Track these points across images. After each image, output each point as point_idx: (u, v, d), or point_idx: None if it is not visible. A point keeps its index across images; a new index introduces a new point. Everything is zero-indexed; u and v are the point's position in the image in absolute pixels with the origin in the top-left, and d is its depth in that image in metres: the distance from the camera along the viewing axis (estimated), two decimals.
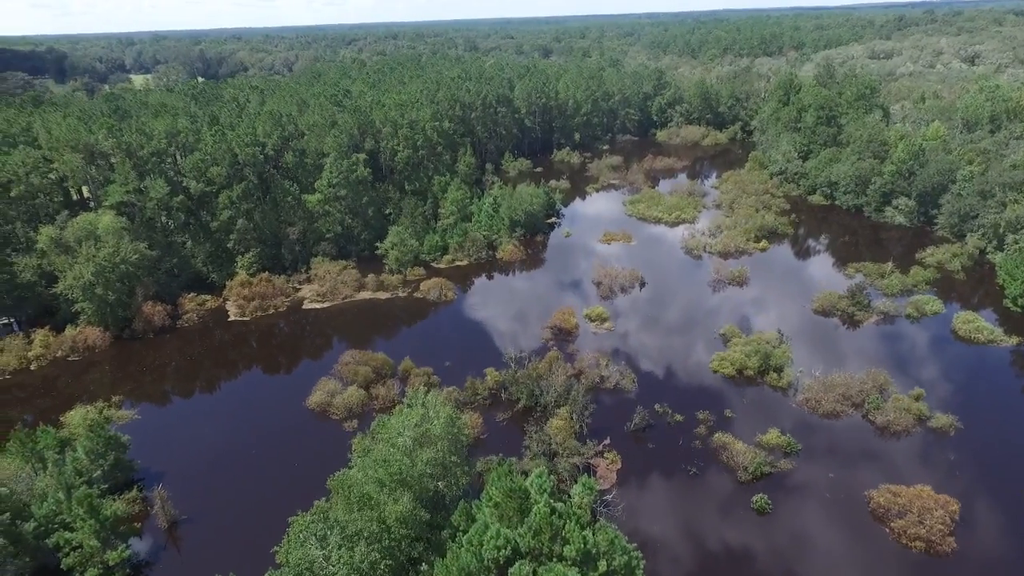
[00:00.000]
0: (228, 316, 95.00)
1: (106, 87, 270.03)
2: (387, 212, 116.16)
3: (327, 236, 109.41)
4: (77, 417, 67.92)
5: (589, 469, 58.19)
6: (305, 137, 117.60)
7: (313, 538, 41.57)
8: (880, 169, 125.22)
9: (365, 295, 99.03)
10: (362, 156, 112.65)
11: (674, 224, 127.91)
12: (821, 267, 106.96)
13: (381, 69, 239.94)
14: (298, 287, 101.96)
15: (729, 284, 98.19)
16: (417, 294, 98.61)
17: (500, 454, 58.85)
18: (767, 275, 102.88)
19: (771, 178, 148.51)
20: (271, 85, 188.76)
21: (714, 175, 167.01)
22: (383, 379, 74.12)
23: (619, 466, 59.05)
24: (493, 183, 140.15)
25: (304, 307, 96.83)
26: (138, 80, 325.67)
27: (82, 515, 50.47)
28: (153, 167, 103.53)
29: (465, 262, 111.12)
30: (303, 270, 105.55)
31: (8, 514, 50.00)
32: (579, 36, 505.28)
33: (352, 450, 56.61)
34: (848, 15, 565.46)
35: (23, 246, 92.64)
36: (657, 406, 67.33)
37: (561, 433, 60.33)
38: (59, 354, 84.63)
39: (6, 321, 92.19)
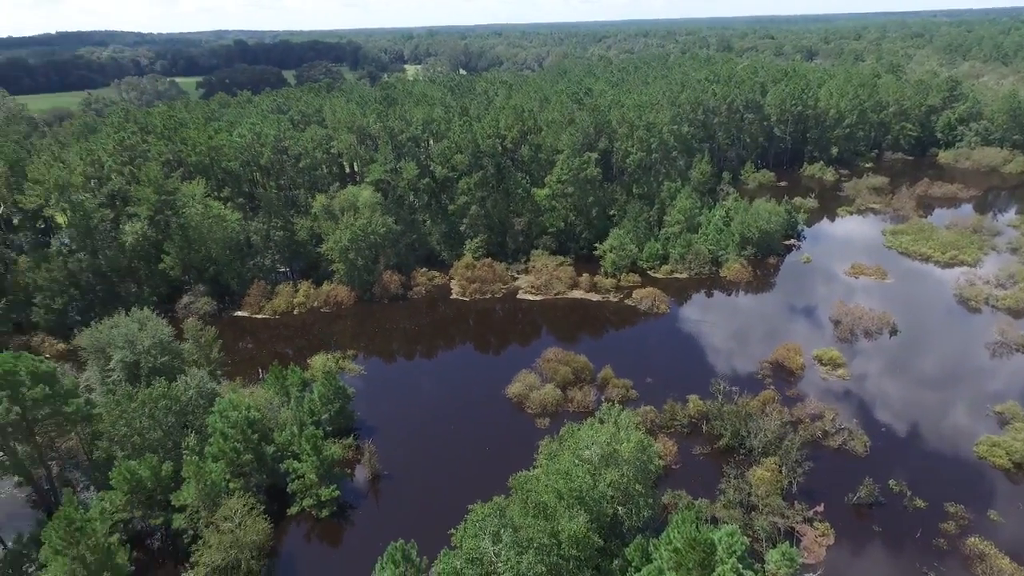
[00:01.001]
0: (451, 294, 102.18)
1: (385, 76, 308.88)
2: (611, 213, 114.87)
3: (549, 230, 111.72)
4: (319, 362, 78.05)
5: (792, 536, 50.88)
6: (543, 132, 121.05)
7: (487, 532, 42.07)
8: None
9: (576, 294, 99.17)
10: (594, 155, 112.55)
11: (947, 265, 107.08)
12: None
13: (625, 68, 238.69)
14: (516, 276, 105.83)
15: (1018, 350, 79.11)
16: (628, 301, 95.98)
17: (690, 493, 54.34)
18: None
19: None
20: (519, 80, 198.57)
21: (1013, 211, 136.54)
22: (581, 383, 73.31)
23: (831, 542, 50.70)
24: (728, 194, 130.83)
25: (518, 296, 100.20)
26: (411, 70, 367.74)
27: (308, 451, 57.56)
28: (409, 151, 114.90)
29: (684, 275, 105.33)
30: (523, 260, 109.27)
31: (257, 435, 58.86)
32: (853, 37, 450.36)
33: (539, 451, 56.73)
34: None
35: (303, 209, 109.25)
36: (892, 482, 56.51)
37: (765, 486, 53.67)
38: (316, 304, 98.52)
39: (284, 270, 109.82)
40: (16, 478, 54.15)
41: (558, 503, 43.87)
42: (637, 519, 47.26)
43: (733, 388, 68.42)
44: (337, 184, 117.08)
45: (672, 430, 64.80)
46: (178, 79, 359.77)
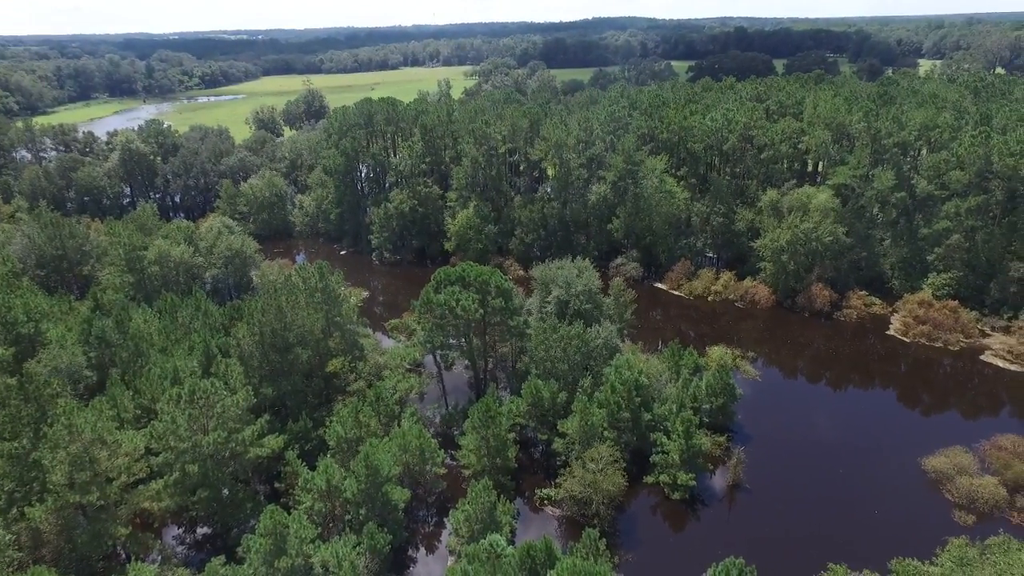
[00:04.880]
0: (888, 328, 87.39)
1: (889, 71, 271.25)
2: None
3: None
4: (717, 353, 77.54)
5: None
6: None
7: None
8: None
9: None
10: None
11: None
12: None
13: None
14: (987, 333, 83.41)
15: None
16: None
17: None
18: None
19: None
20: None
21: None
22: None
23: None
24: None
25: (982, 358, 79.08)
26: (925, 66, 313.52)
27: (679, 432, 58.76)
28: (891, 157, 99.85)
29: None
30: (1006, 316, 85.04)
31: (640, 400, 62.80)
32: None
33: (945, 548, 45.31)
34: None
35: (749, 200, 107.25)
36: None
37: None
38: (730, 297, 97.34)
39: (711, 255, 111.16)
40: (466, 362, 70.75)
41: None
42: None
43: None
44: (794, 181, 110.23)
45: None
46: (674, 62, 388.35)
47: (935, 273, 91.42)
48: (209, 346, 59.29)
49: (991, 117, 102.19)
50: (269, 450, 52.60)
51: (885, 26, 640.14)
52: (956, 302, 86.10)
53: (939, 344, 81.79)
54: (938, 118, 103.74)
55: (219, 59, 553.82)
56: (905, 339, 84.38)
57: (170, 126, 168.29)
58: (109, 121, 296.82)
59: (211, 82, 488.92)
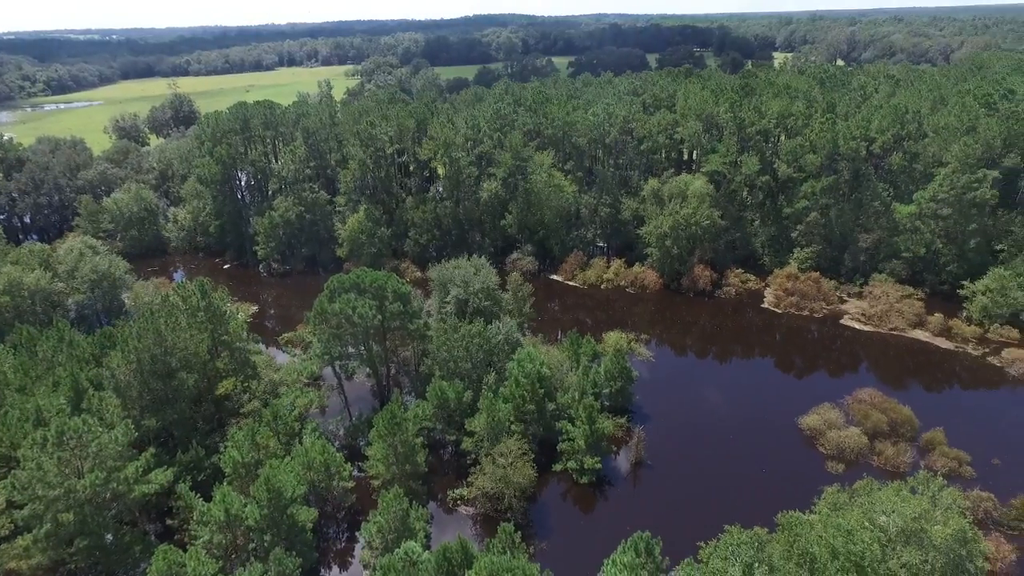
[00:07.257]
0: (762, 302, 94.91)
1: (748, 63, 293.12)
2: (998, 248, 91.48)
3: (903, 254, 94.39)
4: (612, 339, 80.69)
5: None
6: (926, 140, 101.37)
7: (739, 560, 39.15)
8: None
9: (919, 334, 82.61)
10: (992, 174, 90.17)
11: None
12: None
13: None
14: (844, 299, 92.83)
15: None
16: (993, 359, 76.35)
17: None
18: None
19: None
20: (911, 75, 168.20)
21: None
22: (896, 438, 61.81)
23: None
24: None
25: (841, 322, 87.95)
26: (779, 59, 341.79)
27: (582, 418, 60.68)
28: (755, 145, 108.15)
29: None
30: (859, 283, 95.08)
31: (543, 391, 64.21)
32: None
33: (822, 497, 49.93)
34: None
35: (632, 190, 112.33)
36: None
37: None
38: (622, 283, 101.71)
39: (601, 245, 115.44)
40: (367, 370, 69.20)
41: (830, 561, 38.29)
42: None
43: None
44: (672, 170, 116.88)
45: (1016, 532, 50.46)
46: (554, 58, 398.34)
47: (799, 248, 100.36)
48: (78, 380, 53.98)
49: (835, 105, 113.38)
50: (157, 486, 48.78)
51: (743, 22, 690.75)
52: (818, 273, 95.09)
53: (806, 312, 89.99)
54: (792, 107, 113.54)
55: (67, 62, 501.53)
56: (777, 310, 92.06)
57: (12, 138, 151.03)
58: None
59: (59, 88, 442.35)
